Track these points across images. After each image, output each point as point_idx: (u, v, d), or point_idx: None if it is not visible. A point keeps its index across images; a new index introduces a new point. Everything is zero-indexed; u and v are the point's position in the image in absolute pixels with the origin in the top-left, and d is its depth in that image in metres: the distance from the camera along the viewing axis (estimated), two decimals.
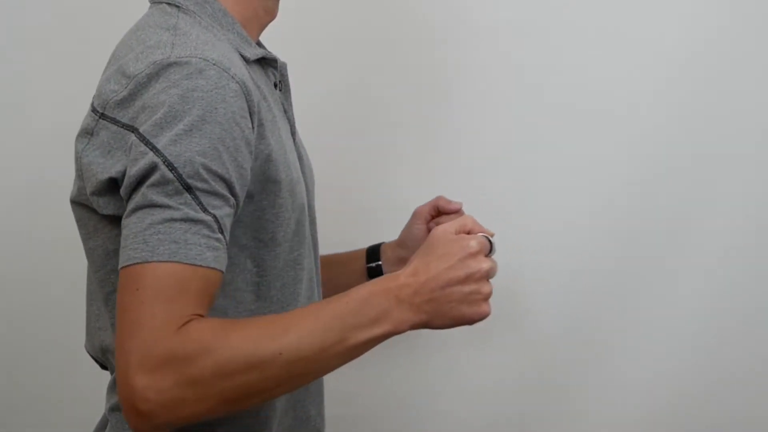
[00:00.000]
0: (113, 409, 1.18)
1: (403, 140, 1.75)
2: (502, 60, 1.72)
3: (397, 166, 1.68)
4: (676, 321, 1.72)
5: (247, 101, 1.09)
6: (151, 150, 1.04)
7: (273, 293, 1.18)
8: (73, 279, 1.79)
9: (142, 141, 1.05)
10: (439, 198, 1.44)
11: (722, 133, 1.68)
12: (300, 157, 1.26)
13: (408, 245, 1.44)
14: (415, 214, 1.45)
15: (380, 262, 1.46)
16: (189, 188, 1.03)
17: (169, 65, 1.06)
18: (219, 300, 1.10)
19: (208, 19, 1.17)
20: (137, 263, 1.00)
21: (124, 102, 1.08)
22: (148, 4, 1.21)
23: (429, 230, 1.39)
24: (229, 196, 1.06)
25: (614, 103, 1.70)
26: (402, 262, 1.42)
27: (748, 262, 1.70)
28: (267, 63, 1.23)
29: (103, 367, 1.26)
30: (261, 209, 1.14)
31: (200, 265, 1.01)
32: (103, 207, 1.11)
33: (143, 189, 1.03)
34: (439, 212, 1.44)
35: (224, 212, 1.05)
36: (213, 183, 1.04)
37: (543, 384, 1.77)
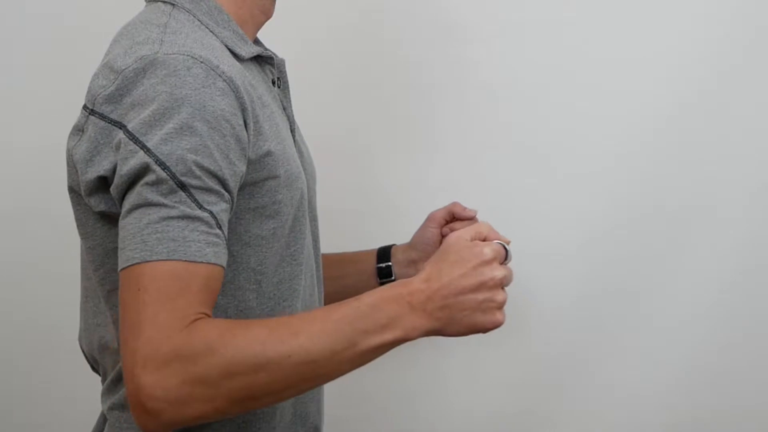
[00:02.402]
0: (112, 408, 1.18)
1: (402, 139, 1.76)
2: (503, 59, 1.73)
3: (395, 165, 1.68)
4: (677, 321, 1.72)
5: (237, 98, 1.08)
6: (141, 149, 1.04)
7: (270, 289, 1.17)
8: (72, 277, 1.80)
9: (131, 139, 1.05)
10: (454, 204, 1.44)
11: (722, 133, 1.68)
12: (300, 153, 1.26)
13: (419, 248, 1.44)
14: (430, 218, 1.45)
15: (390, 263, 1.46)
16: (183, 186, 1.02)
17: (157, 61, 1.06)
18: (219, 298, 1.10)
19: (203, 17, 1.17)
20: (137, 263, 1.00)
21: (112, 97, 1.08)
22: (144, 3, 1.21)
23: (443, 235, 1.41)
24: (224, 192, 1.05)
25: (614, 103, 1.70)
26: (412, 264, 1.43)
27: (748, 262, 1.70)
28: (264, 60, 1.23)
29: (95, 369, 1.25)
30: (262, 206, 1.14)
31: (201, 262, 1.01)
32: (95, 205, 1.11)
33: (137, 188, 1.03)
34: (453, 217, 1.44)
35: (220, 208, 1.05)
36: (206, 180, 1.04)
37: (543, 383, 1.77)
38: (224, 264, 1.05)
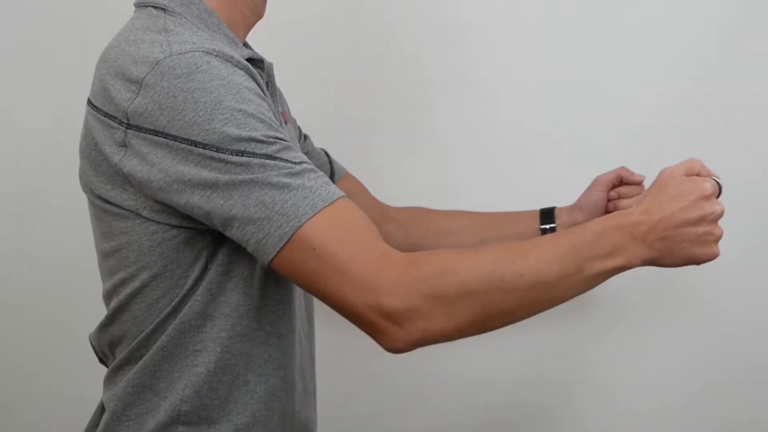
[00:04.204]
0: (111, 397, 1.20)
1: (403, 139, 1.76)
2: (502, 58, 1.73)
3: (394, 165, 1.68)
4: (678, 320, 1.72)
5: (256, 82, 1.12)
6: (208, 149, 1.05)
7: (272, 288, 1.19)
8: (70, 275, 1.81)
9: (192, 144, 1.06)
10: (622, 168, 1.48)
11: (724, 133, 1.68)
12: None
13: (586, 210, 1.48)
14: (597, 181, 1.49)
15: (555, 225, 1.49)
16: (270, 157, 1.05)
17: (173, 63, 1.07)
18: (229, 295, 1.14)
19: (194, 21, 1.17)
20: (292, 234, 1.03)
21: (143, 108, 1.08)
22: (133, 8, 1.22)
23: (609, 199, 1.46)
24: (297, 147, 1.09)
25: (619, 103, 1.70)
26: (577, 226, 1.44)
27: (748, 261, 1.69)
28: (254, 64, 1.23)
29: (102, 361, 1.27)
30: None
31: (336, 199, 1.05)
32: (155, 212, 1.12)
33: (235, 184, 1.05)
34: (621, 181, 1.48)
35: (306, 158, 1.08)
36: (280, 143, 1.07)
37: (543, 383, 1.77)
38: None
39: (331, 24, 1.75)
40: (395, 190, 1.70)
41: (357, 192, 1.49)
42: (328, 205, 1.05)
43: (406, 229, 1.53)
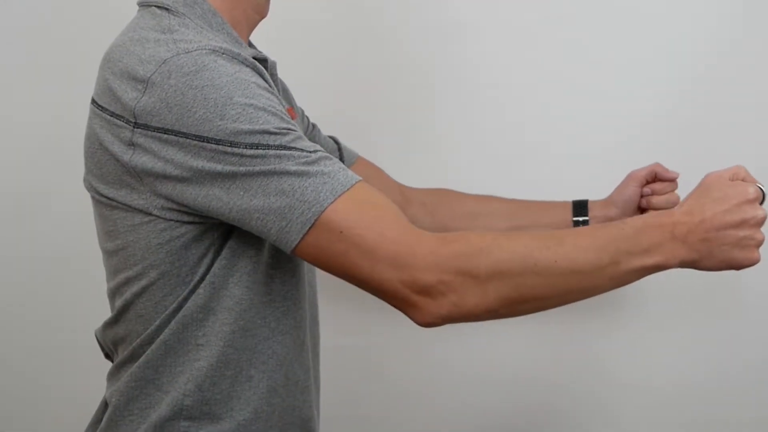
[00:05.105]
0: (114, 392, 1.20)
1: (403, 139, 1.76)
2: (502, 58, 1.73)
3: (390, 165, 1.68)
4: (678, 320, 1.72)
5: (264, 79, 1.13)
6: (221, 145, 1.06)
7: (278, 285, 1.19)
8: (73, 273, 1.81)
9: (203, 141, 1.06)
10: (656, 164, 1.47)
11: (724, 133, 1.68)
12: None
13: (619, 205, 1.48)
14: (631, 177, 1.48)
15: (588, 218, 1.49)
16: (285, 147, 1.06)
17: (180, 61, 1.08)
18: (233, 289, 1.14)
19: (197, 20, 1.17)
20: (315, 219, 1.04)
21: (150, 107, 1.08)
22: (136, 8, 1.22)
23: (642, 195, 1.45)
24: (306, 137, 1.10)
25: (617, 103, 1.70)
26: (609, 221, 1.44)
27: None
28: (257, 63, 1.24)
29: (108, 356, 1.28)
30: None
31: (355, 183, 1.06)
32: (166, 210, 1.12)
33: (253, 175, 1.05)
34: (655, 178, 1.47)
35: (319, 147, 1.09)
36: (293, 133, 1.08)
37: (543, 383, 1.77)
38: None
39: (330, 24, 1.75)
40: None
41: (373, 175, 1.50)
42: (348, 189, 1.06)
43: (432, 211, 1.53)
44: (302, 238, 1.06)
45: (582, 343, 1.76)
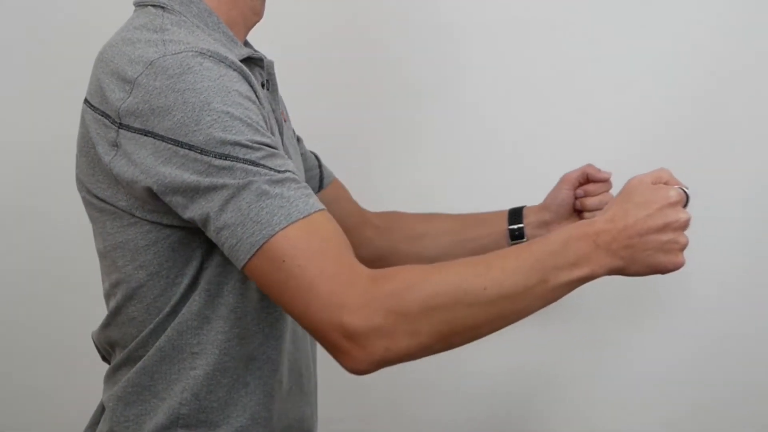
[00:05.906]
0: (111, 397, 1.20)
1: (399, 140, 1.76)
2: (499, 59, 1.73)
3: (389, 167, 1.69)
4: (678, 319, 1.72)
5: (250, 85, 1.11)
6: (192, 151, 1.05)
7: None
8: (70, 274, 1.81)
9: (177, 145, 1.05)
10: (588, 165, 1.46)
11: (724, 133, 1.68)
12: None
13: (553, 209, 1.47)
14: (563, 180, 1.47)
15: (522, 225, 1.48)
16: (254, 163, 1.04)
17: (166, 63, 1.07)
18: (227, 297, 1.14)
19: (193, 19, 1.17)
20: (264, 242, 1.02)
21: (134, 107, 1.08)
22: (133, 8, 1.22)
23: (576, 197, 1.44)
24: (283, 154, 1.08)
25: (612, 105, 1.70)
26: (545, 225, 1.46)
27: (748, 260, 1.69)
28: (254, 62, 1.24)
29: (105, 359, 1.27)
30: None
31: (313, 212, 1.04)
32: (147, 212, 1.12)
33: (216, 187, 1.04)
34: (587, 179, 1.46)
35: (291, 167, 1.07)
36: (266, 149, 1.06)
37: (543, 383, 1.77)
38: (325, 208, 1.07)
39: (327, 25, 1.75)
40: (390, 191, 1.70)
41: (342, 197, 1.49)
42: (304, 216, 1.03)
43: (384, 234, 1.52)
44: (249, 260, 1.04)
45: (571, 347, 1.76)
